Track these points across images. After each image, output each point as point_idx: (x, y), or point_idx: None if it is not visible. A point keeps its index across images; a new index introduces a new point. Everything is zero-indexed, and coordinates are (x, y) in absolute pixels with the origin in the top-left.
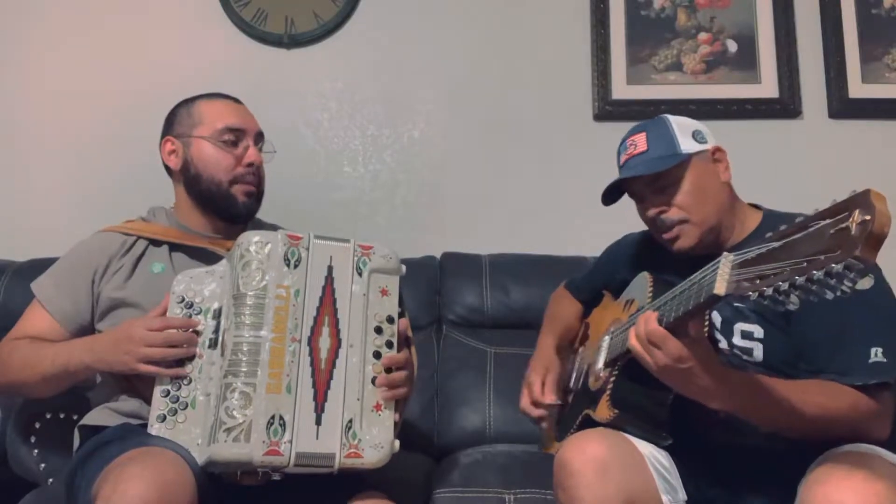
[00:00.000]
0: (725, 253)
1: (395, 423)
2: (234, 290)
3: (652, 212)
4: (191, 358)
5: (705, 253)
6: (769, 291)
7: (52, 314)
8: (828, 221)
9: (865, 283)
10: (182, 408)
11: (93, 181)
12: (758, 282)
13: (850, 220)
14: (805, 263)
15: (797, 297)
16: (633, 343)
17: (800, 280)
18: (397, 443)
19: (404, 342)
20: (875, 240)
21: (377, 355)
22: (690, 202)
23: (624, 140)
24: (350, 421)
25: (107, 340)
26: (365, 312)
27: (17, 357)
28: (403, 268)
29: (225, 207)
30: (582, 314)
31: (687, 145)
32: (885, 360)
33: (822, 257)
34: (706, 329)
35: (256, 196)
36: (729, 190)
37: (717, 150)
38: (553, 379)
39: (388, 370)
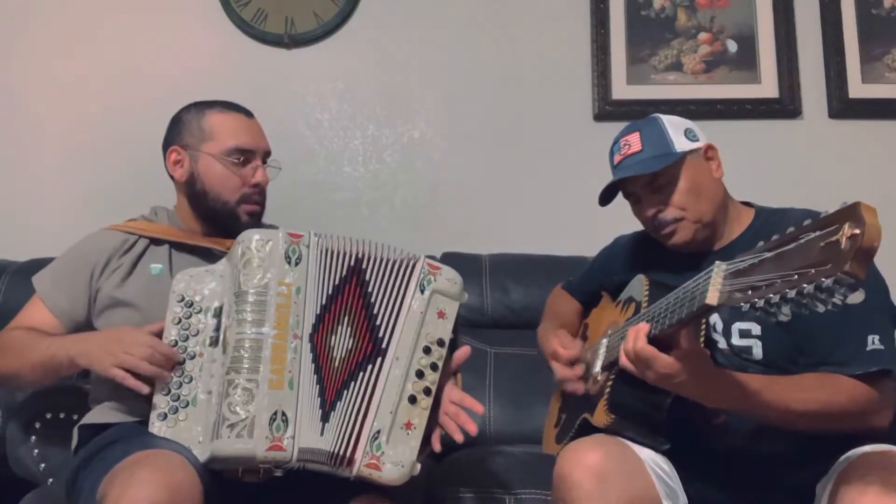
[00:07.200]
0: (718, 262)
1: (423, 449)
2: (235, 287)
3: (649, 211)
4: (192, 356)
5: (699, 250)
6: (760, 303)
7: (49, 309)
8: (818, 234)
9: (857, 298)
10: (183, 406)
11: (93, 181)
12: (749, 293)
13: (840, 233)
14: (795, 276)
15: (788, 309)
16: (624, 362)
17: (790, 293)
18: (418, 466)
19: (452, 372)
20: (865, 254)
21: (420, 374)
22: (686, 200)
23: (617, 140)
24: (378, 432)
25: (97, 337)
26: (418, 330)
27: (15, 345)
28: (466, 295)
29: (227, 224)
30: (580, 313)
31: (680, 144)
32: (882, 347)
33: (812, 271)
34: (703, 333)
35: (259, 215)
36: (722, 187)
37: (710, 147)
38: (566, 334)
39: (428, 391)
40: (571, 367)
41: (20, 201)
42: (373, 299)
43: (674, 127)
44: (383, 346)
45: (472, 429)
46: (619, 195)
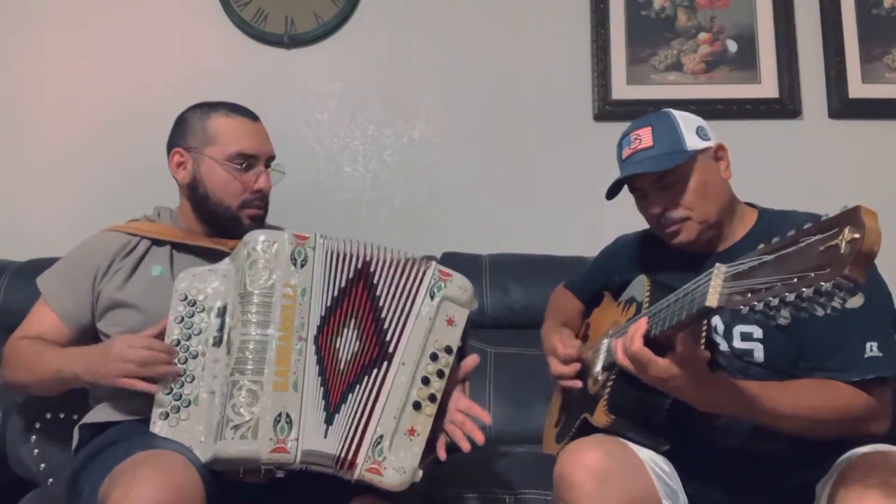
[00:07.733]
0: (718, 264)
1: (425, 456)
2: (240, 288)
3: (656, 209)
4: (194, 356)
5: (703, 250)
6: (760, 306)
7: (55, 311)
8: (818, 237)
9: (856, 302)
10: (185, 405)
11: (93, 181)
12: (749, 295)
13: (840, 237)
14: (795, 280)
15: (788, 312)
16: (621, 360)
17: (790, 297)
18: (420, 473)
19: (460, 380)
20: (865, 258)
21: (426, 381)
22: (694, 200)
23: (627, 133)
24: (381, 437)
25: (95, 354)
26: (426, 336)
27: (22, 358)
28: (476, 302)
29: (229, 228)
30: (583, 312)
31: (692, 142)
32: (880, 354)
33: (812, 275)
34: (703, 335)
35: (262, 219)
36: (729, 188)
37: (720, 147)
38: (570, 334)
39: (433, 398)
40: (567, 365)
41: (20, 201)
42: (381, 303)
43: (686, 124)
44: (390, 350)
45: (479, 438)
46: (625, 189)
